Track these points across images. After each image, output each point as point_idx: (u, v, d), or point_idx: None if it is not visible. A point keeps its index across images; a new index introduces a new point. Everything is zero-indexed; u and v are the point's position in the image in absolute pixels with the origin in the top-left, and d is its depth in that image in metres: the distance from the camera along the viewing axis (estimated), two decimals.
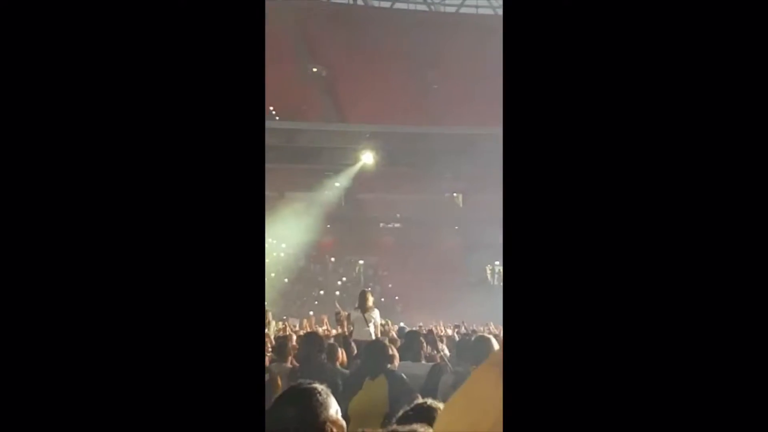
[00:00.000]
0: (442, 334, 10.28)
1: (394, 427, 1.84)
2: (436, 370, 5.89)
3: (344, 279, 23.77)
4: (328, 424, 2.23)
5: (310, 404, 2.24)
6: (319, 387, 2.29)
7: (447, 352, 7.88)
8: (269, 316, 11.49)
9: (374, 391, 5.18)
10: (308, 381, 2.39)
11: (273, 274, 22.52)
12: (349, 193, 26.79)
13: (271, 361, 6.05)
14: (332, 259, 24.10)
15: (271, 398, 2.84)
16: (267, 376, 5.55)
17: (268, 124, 27.44)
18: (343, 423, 2.28)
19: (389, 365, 5.53)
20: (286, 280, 22.04)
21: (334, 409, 2.27)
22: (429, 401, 2.49)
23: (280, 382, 5.39)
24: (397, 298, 21.30)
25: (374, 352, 5.57)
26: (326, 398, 2.28)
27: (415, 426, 1.55)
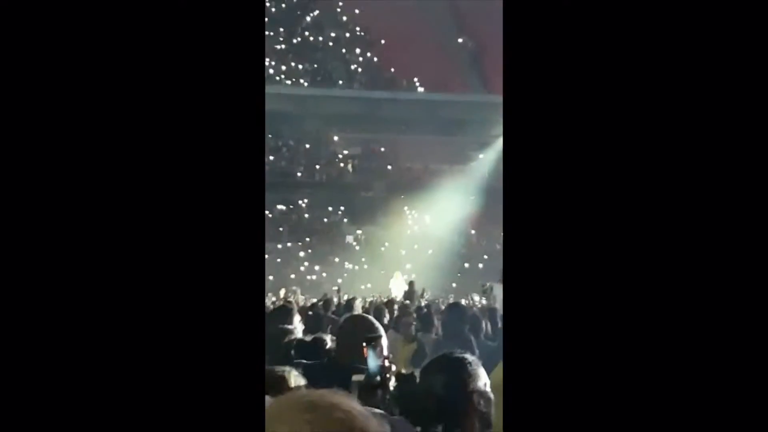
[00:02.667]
0: None
1: None
2: None
3: (488, 251, 23.65)
4: (476, 395, 2.23)
5: (460, 374, 2.27)
6: (470, 357, 2.31)
7: None
8: (414, 286, 11.63)
9: None
10: (459, 350, 2.40)
11: (416, 246, 22.70)
12: (494, 165, 26.51)
13: (416, 331, 6.17)
14: (473, 231, 23.99)
15: (419, 366, 2.92)
16: (414, 345, 5.66)
17: (410, 95, 27.54)
18: (491, 396, 2.28)
19: None
20: (429, 251, 22.17)
21: (482, 381, 2.28)
22: None
23: (427, 350, 5.48)
24: None
25: None
26: (476, 369, 2.29)
27: None
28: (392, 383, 2.38)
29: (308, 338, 3.35)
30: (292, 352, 3.30)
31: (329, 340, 3.31)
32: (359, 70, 28.72)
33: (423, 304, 10.04)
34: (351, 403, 1.10)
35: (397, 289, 14.94)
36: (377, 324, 2.71)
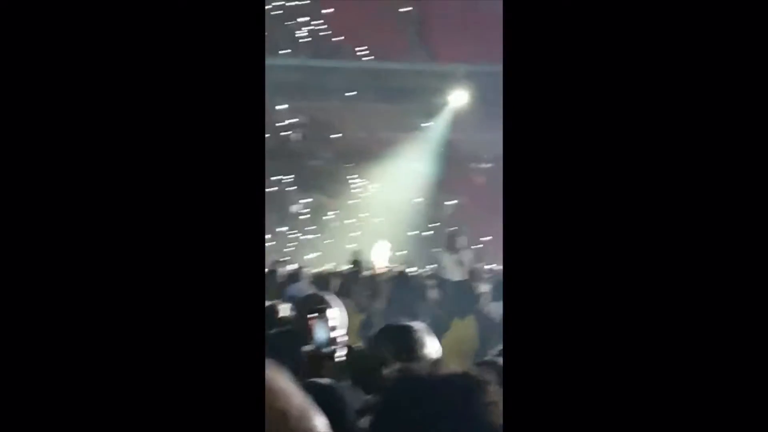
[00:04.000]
0: None
1: (490, 358, 1.90)
2: None
3: (433, 219, 23.77)
4: (424, 362, 2.27)
5: (407, 341, 2.31)
6: (417, 325, 2.35)
7: None
8: (361, 255, 11.65)
9: (463, 330, 5.27)
10: (406, 319, 2.44)
11: (364, 215, 22.71)
12: (439, 133, 26.55)
13: (364, 300, 6.21)
14: (420, 199, 24.07)
15: (368, 336, 2.96)
16: (363, 316, 5.71)
17: (356, 64, 27.36)
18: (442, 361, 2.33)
19: (478, 305, 5.59)
20: (376, 220, 22.20)
21: (431, 348, 2.32)
22: None
23: (374, 320, 5.54)
24: (483, 239, 21.23)
25: (463, 292, 5.64)
26: (422, 336, 2.33)
27: None
28: (338, 354, 2.42)
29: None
30: None
31: (280, 309, 3.34)
32: (308, 39, 28.40)
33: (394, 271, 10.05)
34: (277, 377, 1.11)
35: (380, 259, 14.75)
36: (330, 300, 2.75)
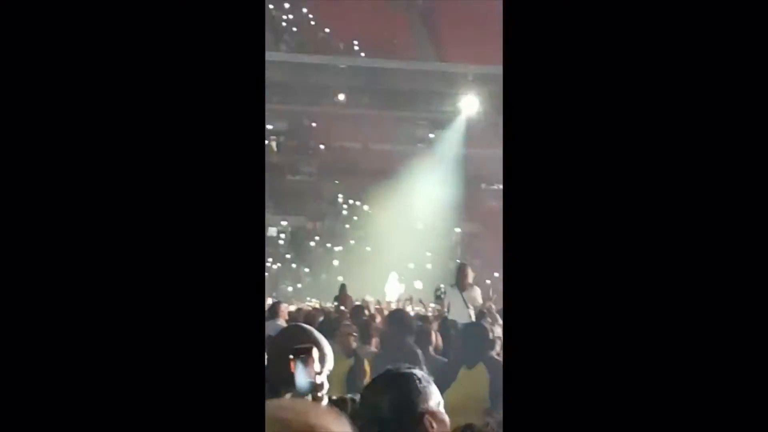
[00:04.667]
0: None
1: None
2: None
3: (436, 250, 23.79)
4: (427, 416, 2.24)
5: (408, 393, 2.28)
6: (419, 373, 2.32)
7: None
8: (346, 290, 11.61)
9: (471, 382, 5.21)
10: (407, 366, 2.41)
11: (352, 242, 22.74)
12: (446, 146, 26.67)
13: (353, 342, 6.16)
14: (420, 226, 24.08)
15: (359, 385, 2.92)
16: (352, 361, 5.67)
17: (350, 61, 27.47)
18: (446, 418, 2.29)
19: (491, 352, 5.53)
20: (368, 248, 22.19)
21: (435, 401, 2.29)
22: None
23: (367, 367, 5.48)
24: (497, 275, 21.27)
25: (472, 336, 5.59)
26: (426, 386, 2.30)
27: None
28: (324, 403, 2.40)
29: None
30: None
31: None
32: (290, 29, 28.55)
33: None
34: (335, 422, 1.20)
35: (393, 292, 14.75)
36: (315, 335, 2.68)
